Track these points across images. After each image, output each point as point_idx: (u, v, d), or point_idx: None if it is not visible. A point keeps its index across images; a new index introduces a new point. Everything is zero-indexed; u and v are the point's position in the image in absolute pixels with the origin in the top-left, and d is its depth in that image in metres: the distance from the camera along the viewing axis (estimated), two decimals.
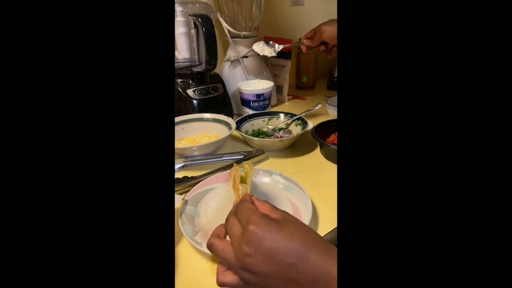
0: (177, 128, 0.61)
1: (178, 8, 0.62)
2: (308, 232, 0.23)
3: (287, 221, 0.24)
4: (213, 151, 0.55)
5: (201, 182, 0.43)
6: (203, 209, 0.39)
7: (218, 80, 0.70)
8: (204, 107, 0.66)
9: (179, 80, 0.67)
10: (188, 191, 0.42)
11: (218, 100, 0.69)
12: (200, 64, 0.64)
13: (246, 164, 0.35)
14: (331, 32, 0.59)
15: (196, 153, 0.53)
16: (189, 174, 0.47)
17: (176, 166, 0.50)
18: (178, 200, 0.38)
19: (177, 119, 0.61)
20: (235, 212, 0.26)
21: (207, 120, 0.62)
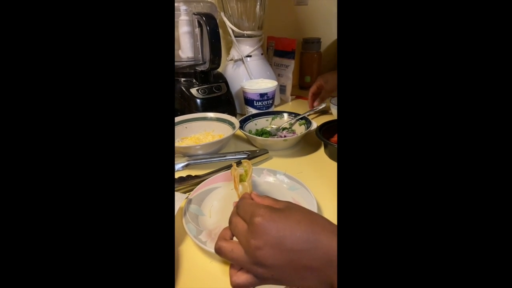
0: (181, 127, 0.61)
1: (182, 7, 0.62)
2: (314, 217, 0.23)
3: (291, 209, 0.23)
4: (216, 150, 0.55)
5: (205, 181, 0.43)
6: (207, 208, 0.39)
7: (222, 79, 0.70)
8: (208, 106, 0.66)
9: (183, 79, 0.67)
10: (191, 189, 0.42)
11: (222, 99, 0.69)
12: (204, 63, 0.64)
13: (245, 163, 0.35)
14: (333, 85, 0.71)
15: (200, 152, 0.53)
16: (193, 173, 0.47)
17: (180, 165, 0.49)
18: (182, 198, 0.38)
19: (180, 118, 0.61)
20: (237, 211, 0.25)
21: (211, 119, 0.62)
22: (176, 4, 0.64)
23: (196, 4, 0.62)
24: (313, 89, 0.73)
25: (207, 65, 0.62)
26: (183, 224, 0.34)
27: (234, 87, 0.73)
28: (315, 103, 0.73)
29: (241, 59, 0.73)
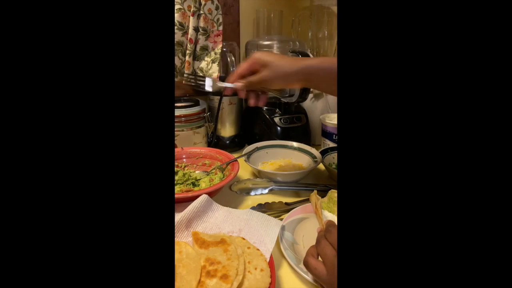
0: (262, 152, 0.65)
1: (276, 45, 0.69)
2: None
3: None
4: (298, 179, 0.57)
5: (294, 210, 0.45)
6: (300, 237, 0.41)
7: (301, 110, 0.74)
8: (286, 134, 0.70)
9: (265, 107, 0.73)
10: (278, 216, 0.45)
11: (299, 130, 0.72)
12: (291, 96, 0.69)
13: (335, 193, 0.37)
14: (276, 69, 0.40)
15: (279, 178, 0.56)
16: (276, 198, 0.50)
17: (266, 189, 0.53)
18: (279, 224, 0.40)
19: (263, 143, 0.65)
20: (325, 235, 0.30)
21: (292, 148, 0.65)
22: (270, 42, 0.71)
23: (292, 42, 0.69)
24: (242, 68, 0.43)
25: (294, 98, 0.67)
26: (281, 249, 0.37)
27: (311, 119, 0.77)
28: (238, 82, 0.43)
29: (322, 93, 0.76)
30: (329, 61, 0.40)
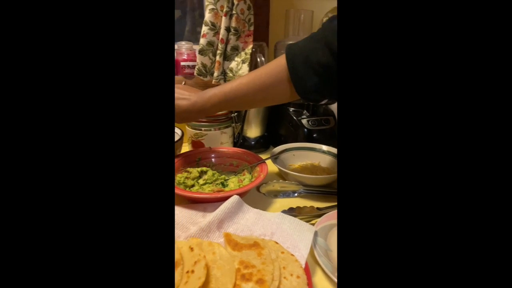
0: (289, 154, 0.64)
1: None
2: None
3: None
4: (327, 184, 0.56)
5: (326, 215, 0.44)
6: (333, 244, 0.40)
7: (330, 113, 0.72)
8: (313, 137, 0.68)
9: (292, 108, 0.72)
10: (309, 221, 0.43)
11: (327, 132, 0.71)
12: None
13: None
14: None
15: (307, 181, 0.55)
16: (307, 202, 0.49)
17: (296, 193, 0.52)
18: (312, 230, 0.39)
19: (292, 145, 0.64)
20: None
21: (320, 151, 0.64)
22: None
23: None
24: None
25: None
26: (316, 256, 0.35)
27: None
28: None
29: None
30: (237, 86, 0.43)
